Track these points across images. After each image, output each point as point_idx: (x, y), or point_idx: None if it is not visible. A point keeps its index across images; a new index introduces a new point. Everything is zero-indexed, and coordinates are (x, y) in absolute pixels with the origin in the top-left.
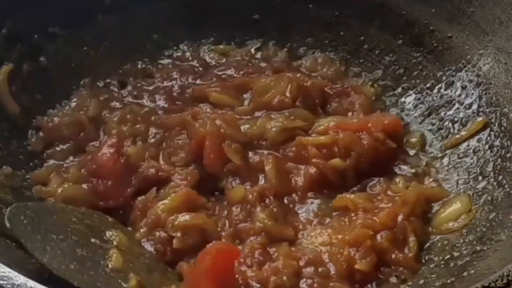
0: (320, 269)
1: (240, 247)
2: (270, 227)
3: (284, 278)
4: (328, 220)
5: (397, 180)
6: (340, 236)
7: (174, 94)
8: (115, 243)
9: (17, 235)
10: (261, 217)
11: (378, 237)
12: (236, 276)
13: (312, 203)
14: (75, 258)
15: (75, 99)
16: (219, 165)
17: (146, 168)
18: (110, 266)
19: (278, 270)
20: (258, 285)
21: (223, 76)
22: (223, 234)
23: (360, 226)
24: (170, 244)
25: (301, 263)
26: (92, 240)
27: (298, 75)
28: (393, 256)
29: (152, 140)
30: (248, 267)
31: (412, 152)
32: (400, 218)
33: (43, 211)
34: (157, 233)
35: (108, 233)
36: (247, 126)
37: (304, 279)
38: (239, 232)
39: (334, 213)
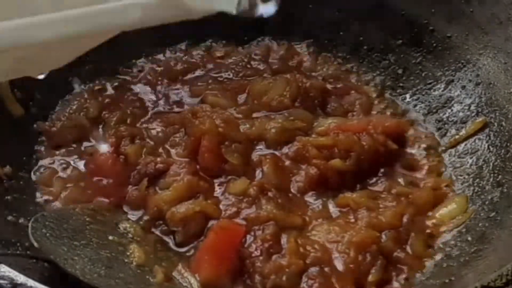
0: (326, 269)
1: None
2: (278, 216)
3: (284, 278)
4: (332, 217)
5: (399, 180)
6: (347, 235)
7: (173, 94)
8: (130, 235)
9: (46, 252)
10: (269, 208)
11: (383, 235)
12: (239, 255)
13: (313, 202)
14: (101, 262)
15: (75, 100)
16: (215, 164)
17: (144, 164)
18: (134, 263)
19: (281, 268)
20: (259, 278)
21: (220, 79)
22: (225, 213)
23: (365, 226)
24: (173, 237)
25: (308, 261)
26: (110, 237)
27: (297, 76)
28: (395, 254)
29: (151, 139)
30: (256, 256)
31: (411, 152)
32: (406, 218)
33: (59, 217)
34: (159, 227)
35: (121, 226)
36: (247, 126)
37: (306, 279)
38: (244, 219)
39: (337, 212)
